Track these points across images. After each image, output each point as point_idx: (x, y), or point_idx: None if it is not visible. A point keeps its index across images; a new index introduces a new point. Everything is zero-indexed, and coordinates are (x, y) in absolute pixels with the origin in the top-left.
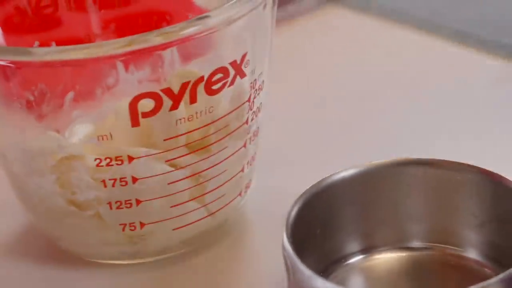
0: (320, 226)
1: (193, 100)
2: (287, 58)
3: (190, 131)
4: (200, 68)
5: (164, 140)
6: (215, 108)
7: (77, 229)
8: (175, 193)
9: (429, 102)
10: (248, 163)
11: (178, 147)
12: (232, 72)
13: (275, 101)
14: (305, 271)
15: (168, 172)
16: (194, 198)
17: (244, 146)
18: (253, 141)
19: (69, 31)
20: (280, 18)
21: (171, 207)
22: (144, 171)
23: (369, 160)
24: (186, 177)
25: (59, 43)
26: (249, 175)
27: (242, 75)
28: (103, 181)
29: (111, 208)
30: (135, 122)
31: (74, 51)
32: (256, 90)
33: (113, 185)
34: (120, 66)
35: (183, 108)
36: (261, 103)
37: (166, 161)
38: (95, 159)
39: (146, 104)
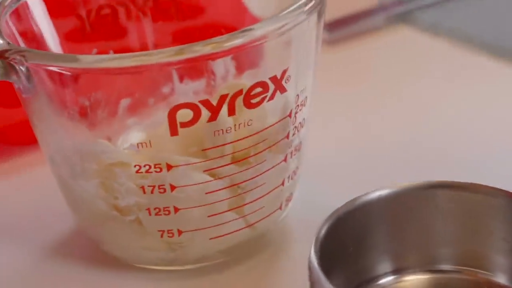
0: (353, 244)
1: (231, 112)
2: (348, 74)
3: (228, 143)
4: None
5: (203, 150)
6: (254, 121)
7: (118, 233)
8: (213, 202)
9: (480, 125)
10: (289, 177)
11: (217, 157)
12: (271, 86)
13: (327, 115)
14: (327, 286)
15: (206, 182)
16: (232, 209)
17: (285, 160)
18: (294, 156)
19: (127, 42)
20: (347, 34)
21: (209, 216)
22: (182, 179)
23: (406, 180)
24: (224, 188)
25: (117, 52)
26: (290, 189)
27: (283, 90)
28: (143, 187)
29: (150, 214)
30: (174, 131)
31: (121, 59)
32: (298, 105)
33: (151, 192)
34: (175, 76)
35: (222, 119)
36: (304, 118)
37: (205, 170)
38: (135, 166)
39: (186, 114)
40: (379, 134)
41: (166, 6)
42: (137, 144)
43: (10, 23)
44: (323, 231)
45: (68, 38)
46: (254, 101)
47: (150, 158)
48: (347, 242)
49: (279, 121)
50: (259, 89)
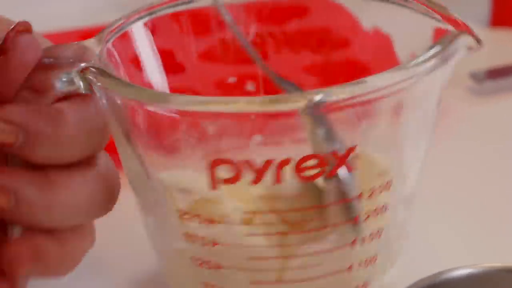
0: None
1: (277, 180)
2: (491, 131)
3: (270, 212)
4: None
5: (245, 212)
6: (304, 196)
7: (176, 275)
8: (258, 270)
9: None
10: (360, 264)
11: (260, 224)
12: (332, 162)
13: (453, 169)
14: None
15: (249, 246)
16: (280, 282)
17: (353, 244)
18: (368, 243)
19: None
20: (502, 86)
21: (251, 283)
22: (222, 237)
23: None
24: (270, 258)
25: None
26: (363, 277)
27: (349, 168)
28: (186, 233)
29: (192, 262)
30: (213, 185)
31: (212, 104)
32: (375, 189)
33: (193, 241)
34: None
35: (267, 186)
36: (384, 205)
37: (247, 235)
38: (178, 210)
39: (228, 171)
40: (500, 204)
41: (305, 37)
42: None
43: (112, 49)
44: None
45: (210, 60)
46: (306, 174)
47: (191, 206)
48: None
49: (339, 201)
50: (313, 162)
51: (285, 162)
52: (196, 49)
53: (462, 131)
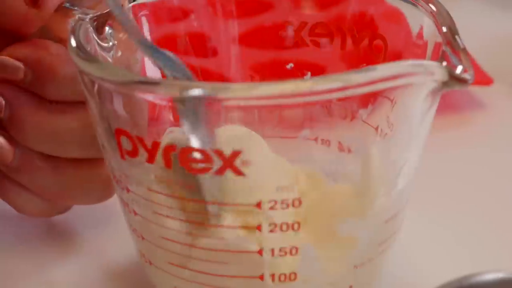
0: None
1: (167, 164)
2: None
3: (164, 194)
4: None
5: (148, 188)
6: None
7: None
8: (170, 251)
9: None
10: (273, 276)
11: (165, 205)
12: (217, 161)
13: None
14: None
15: (157, 224)
16: (189, 269)
17: (260, 253)
18: (282, 256)
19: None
20: None
21: (167, 262)
22: (138, 208)
23: None
24: (177, 242)
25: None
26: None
27: (237, 172)
28: (120, 196)
29: (129, 227)
30: (121, 154)
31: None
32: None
33: (123, 205)
34: None
35: (157, 167)
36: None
37: (155, 212)
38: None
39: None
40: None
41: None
42: None
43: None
44: None
45: (269, 44)
46: (193, 166)
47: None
48: None
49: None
50: (196, 154)
51: (170, 148)
52: (229, 33)
53: (505, 128)
